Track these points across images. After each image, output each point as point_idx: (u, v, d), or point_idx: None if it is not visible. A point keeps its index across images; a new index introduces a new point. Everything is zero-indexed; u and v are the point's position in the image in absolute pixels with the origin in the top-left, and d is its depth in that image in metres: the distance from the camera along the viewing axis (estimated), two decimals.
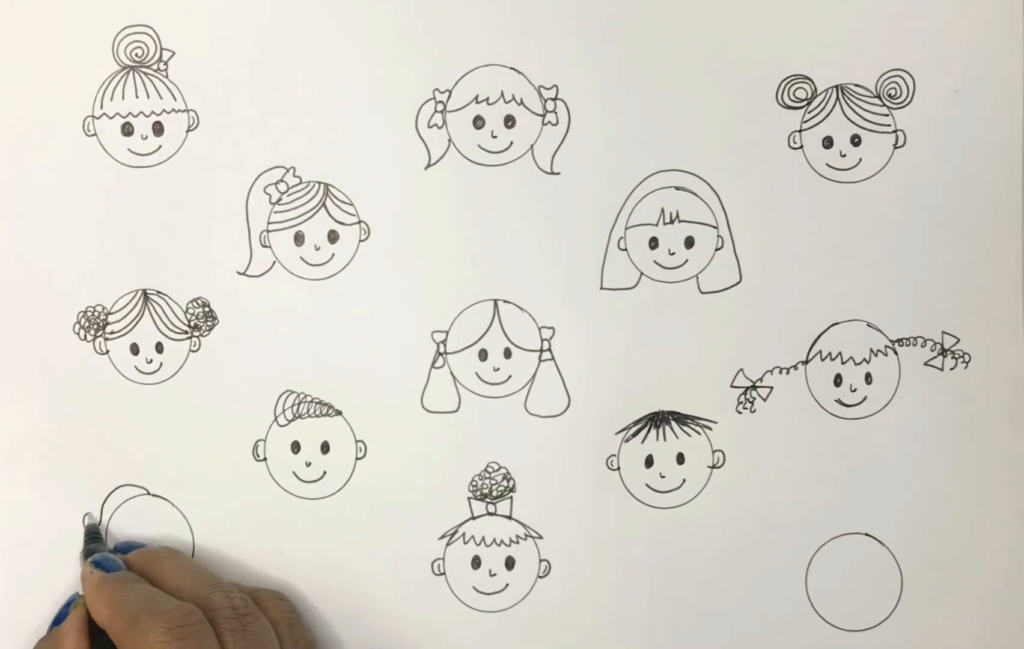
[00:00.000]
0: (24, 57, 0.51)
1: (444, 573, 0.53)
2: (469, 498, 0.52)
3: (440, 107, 0.51)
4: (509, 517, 0.53)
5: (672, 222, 0.52)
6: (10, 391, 0.51)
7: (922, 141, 0.52)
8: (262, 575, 0.52)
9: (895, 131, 0.52)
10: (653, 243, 0.52)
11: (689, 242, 0.52)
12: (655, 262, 0.52)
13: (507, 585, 0.53)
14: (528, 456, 0.52)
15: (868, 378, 0.53)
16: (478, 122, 0.52)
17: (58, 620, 0.49)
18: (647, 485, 0.53)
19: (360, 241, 0.52)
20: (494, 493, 0.52)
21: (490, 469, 0.52)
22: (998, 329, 0.52)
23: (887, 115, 0.52)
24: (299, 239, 0.52)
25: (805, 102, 0.52)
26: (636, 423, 0.53)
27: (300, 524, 0.52)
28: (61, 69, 0.51)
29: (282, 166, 0.51)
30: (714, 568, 0.53)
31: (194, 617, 0.44)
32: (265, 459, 0.52)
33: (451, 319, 0.52)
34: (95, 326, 0.52)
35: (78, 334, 0.52)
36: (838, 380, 0.53)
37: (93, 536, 0.51)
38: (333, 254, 0.52)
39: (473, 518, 0.52)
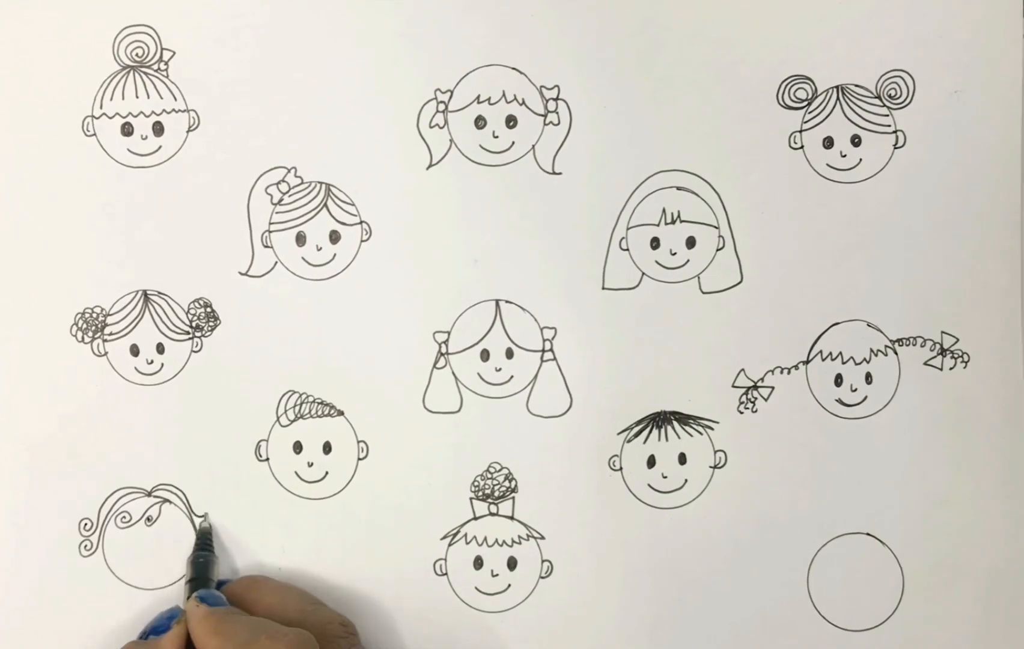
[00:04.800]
0: (24, 56, 0.51)
1: (446, 573, 0.52)
2: (471, 498, 0.52)
3: (441, 107, 0.52)
4: (511, 517, 0.53)
5: (673, 222, 0.52)
6: (6, 393, 0.51)
7: (922, 141, 0.52)
8: (264, 575, 0.51)
9: (895, 131, 0.52)
10: (655, 243, 0.52)
11: (690, 242, 0.52)
12: (656, 262, 0.52)
13: (509, 585, 0.53)
14: (530, 456, 0.52)
15: (868, 378, 0.53)
16: (480, 122, 0.52)
17: (156, 630, 0.48)
18: (649, 485, 0.53)
19: (362, 241, 0.52)
20: (496, 493, 0.52)
21: (492, 469, 0.52)
22: (997, 329, 0.53)
23: (887, 115, 0.52)
24: (301, 239, 0.51)
25: (805, 102, 0.52)
26: (638, 423, 0.53)
27: (302, 524, 0.52)
28: (61, 69, 0.51)
29: (283, 166, 0.51)
30: (716, 568, 0.53)
31: (310, 643, 0.44)
32: (267, 459, 0.52)
33: (453, 319, 0.52)
34: (93, 328, 0.51)
35: (75, 336, 0.51)
36: (839, 380, 0.53)
37: (204, 543, 0.51)
38: (335, 254, 0.52)
39: (475, 518, 0.52)
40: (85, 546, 0.51)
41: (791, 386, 0.53)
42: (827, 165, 0.52)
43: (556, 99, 0.52)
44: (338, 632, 0.47)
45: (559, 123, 0.52)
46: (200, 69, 0.51)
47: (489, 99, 0.52)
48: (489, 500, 0.52)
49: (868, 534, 0.53)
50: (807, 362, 0.53)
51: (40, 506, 0.51)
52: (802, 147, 0.52)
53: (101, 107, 0.51)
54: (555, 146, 0.52)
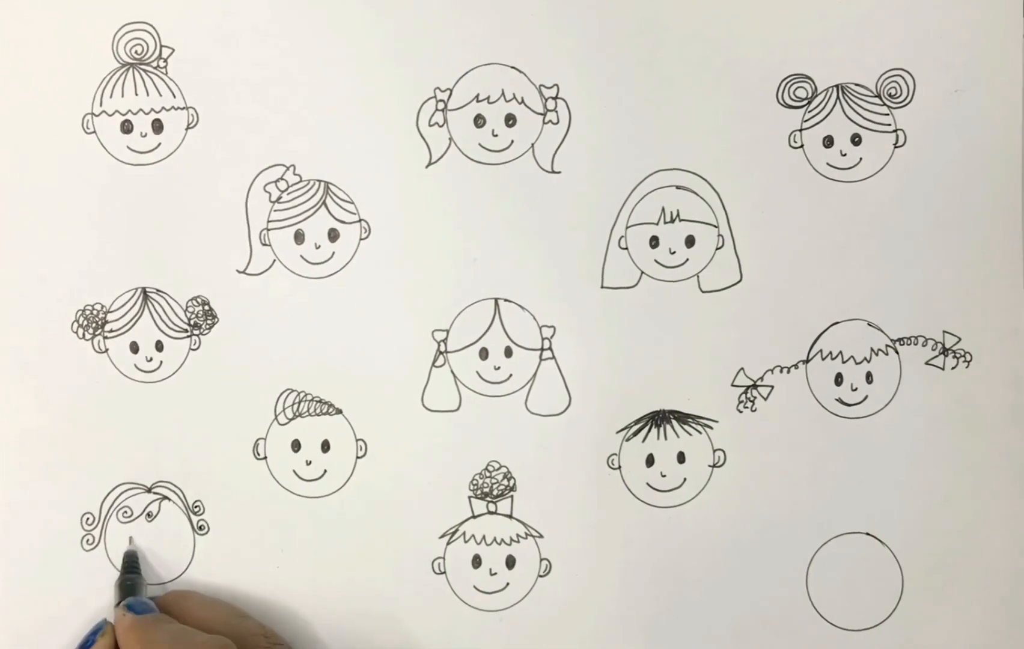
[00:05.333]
0: (24, 54, 0.51)
1: (445, 572, 0.52)
2: (470, 497, 0.52)
3: (441, 106, 0.51)
4: (510, 516, 0.52)
5: (673, 221, 0.52)
6: (9, 390, 0.51)
7: (922, 141, 0.52)
8: (262, 574, 0.52)
9: (895, 131, 0.52)
10: (654, 242, 0.52)
11: (690, 241, 0.52)
12: (656, 261, 0.52)
13: (508, 584, 0.53)
14: (529, 455, 0.52)
15: (869, 377, 0.53)
16: (479, 121, 0.52)
17: (84, 646, 0.49)
18: (648, 484, 0.53)
19: (361, 239, 0.52)
20: (495, 492, 0.52)
21: (491, 468, 0.52)
22: (999, 328, 0.52)
23: (887, 115, 0.52)
24: (299, 237, 0.51)
25: (805, 101, 0.52)
26: (637, 422, 0.53)
27: (300, 523, 0.52)
28: (60, 66, 0.51)
29: (282, 164, 0.51)
30: (715, 567, 0.53)
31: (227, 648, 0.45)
32: (265, 458, 0.52)
33: (452, 318, 0.52)
34: (93, 324, 0.51)
35: (76, 333, 0.51)
36: (839, 379, 0.53)
37: (130, 566, 0.51)
38: (333, 252, 0.52)
39: (474, 517, 0.52)
40: (87, 541, 0.52)
41: (791, 385, 0.53)
42: (827, 164, 0.52)
43: (555, 98, 0.52)
44: (261, 644, 0.48)
45: (558, 122, 0.52)
46: (199, 66, 0.51)
47: (488, 98, 0.52)
48: (488, 499, 0.52)
49: (868, 534, 0.53)
50: (807, 361, 0.53)
51: (42, 501, 0.51)
52: (802, 146, 0.52)
53: (101, 104, 0.51)
54: (554, 145, 0.52)
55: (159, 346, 0.52)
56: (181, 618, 0.49)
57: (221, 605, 0.51)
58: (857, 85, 0.52)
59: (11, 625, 0.51)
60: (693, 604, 0.53)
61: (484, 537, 0.52)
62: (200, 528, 0.52)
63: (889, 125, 0.52)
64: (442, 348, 0.52)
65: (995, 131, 0.52)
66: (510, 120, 0.52)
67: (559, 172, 0.52)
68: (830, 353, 0.53)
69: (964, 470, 0.53)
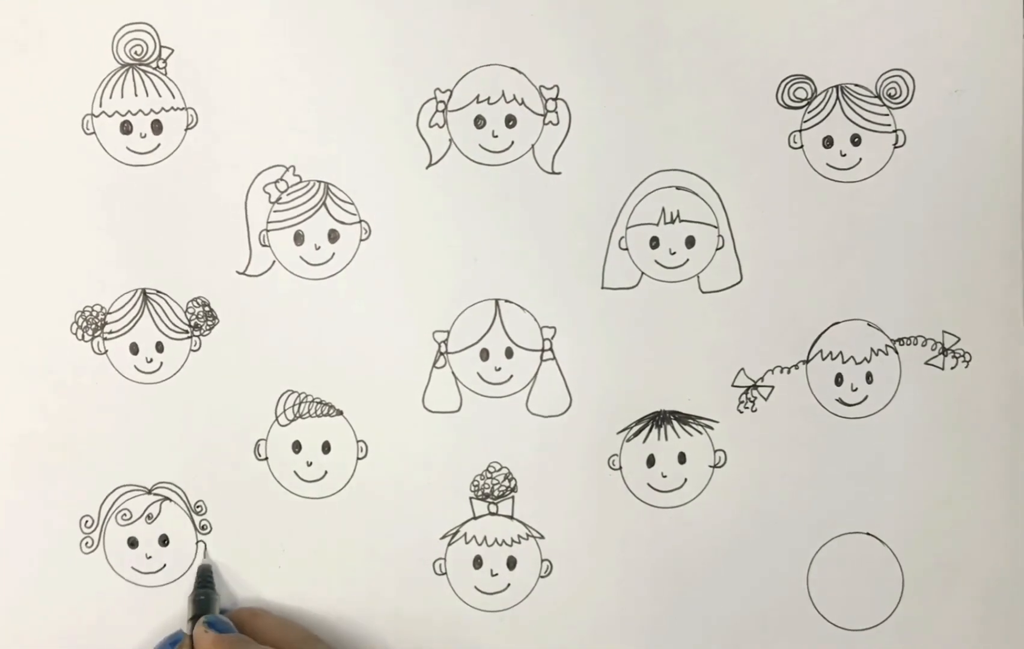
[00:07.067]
0: (23, 55, 0.50)
1: (446, 573, 0.52)
2: (471, 498, 0.52)
3: (441, 106, 0.51)
4: (511, 517, 0.53)
5: (673, 222, 0.52)
6: (8, 391, 0.51)
7: (922, 141, 0.52)
8: (264, 574, 0.52)
9: (895, 131, 0.52)
10: (654, 243, 0.52)
11: (690, 242, 0.52)
12: (656, 262, 0.52)
13: (509, 585, 0.53)
14: (530, 456, 0.52)
15: (869, 377, 0.53)
16: (479, 122, 0.52)
17: None
18: (649, 485, 0.53)
19: (361, 240, 0.52)
20: (496, 493, 0.52)
21: (492, 469, 0.52)
22: (999, 328, 0.53)
23: (887, 115, 0.52)
24: (299, 238, 0.51)
25: (805, 102, 0.52)
26: (637, 423, 0.53)
27: (301, 524, 0.52)
28: (60, 67, 0.51)
29: (282, 165, 0.51)
30: (715, 567, 0.53)
31: None
32: (266, 459, 0.52)
33: (452, 319, 0.52)
34: (93, 326, 0.51)
35: (76, 334, 0.51)
36: (839, 379, 0.53)
37: (205, 581, 0.51)
38: (333, 253, 0.52)
39: (475, 518, 0.52)
40: (86, 543, 0.52)
41: (791, 385, 0.53)
42: (827, 165, 0.52)
43: (555, 99, 0.52)
44: None
45: (558, 123, 0.52)
46: (199, 67, 0.51)
47: (488, 99, 0.52)
48: (488, 499, 0.52)
49: (868, 534, 0.53)
50: (807, 361, 0.53)
51: (41, 503, 0.51)
52: (802, 146, 0.52)
53: (100, 105, 0.51)
54: (554, 146, 0.52)
55: (159, 347, 0.52)
56: (255, 635, 0.49)
57: (295, 627, 0.50)
58: (857, 85, 0.52)
59: (10, 627, 0.51)
60: (693, 604, 0.53)
61: (485, 538, 0.52)
62: (202, 528, 0.52)
63: (889, 125, 0.52)
64: (443, 349, 0.52)
65: (995, 131, 0.52)
66: (510, 121, 0.52)
67: (559, 173, 0.52)
68: (830, 353, 0.53)
69: (964, 470, 0.53)
